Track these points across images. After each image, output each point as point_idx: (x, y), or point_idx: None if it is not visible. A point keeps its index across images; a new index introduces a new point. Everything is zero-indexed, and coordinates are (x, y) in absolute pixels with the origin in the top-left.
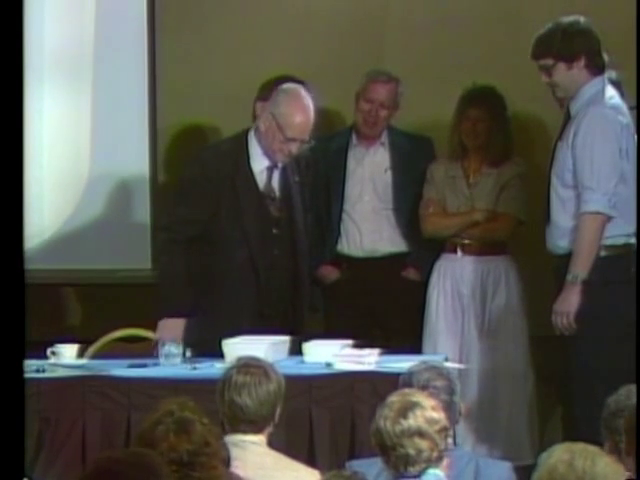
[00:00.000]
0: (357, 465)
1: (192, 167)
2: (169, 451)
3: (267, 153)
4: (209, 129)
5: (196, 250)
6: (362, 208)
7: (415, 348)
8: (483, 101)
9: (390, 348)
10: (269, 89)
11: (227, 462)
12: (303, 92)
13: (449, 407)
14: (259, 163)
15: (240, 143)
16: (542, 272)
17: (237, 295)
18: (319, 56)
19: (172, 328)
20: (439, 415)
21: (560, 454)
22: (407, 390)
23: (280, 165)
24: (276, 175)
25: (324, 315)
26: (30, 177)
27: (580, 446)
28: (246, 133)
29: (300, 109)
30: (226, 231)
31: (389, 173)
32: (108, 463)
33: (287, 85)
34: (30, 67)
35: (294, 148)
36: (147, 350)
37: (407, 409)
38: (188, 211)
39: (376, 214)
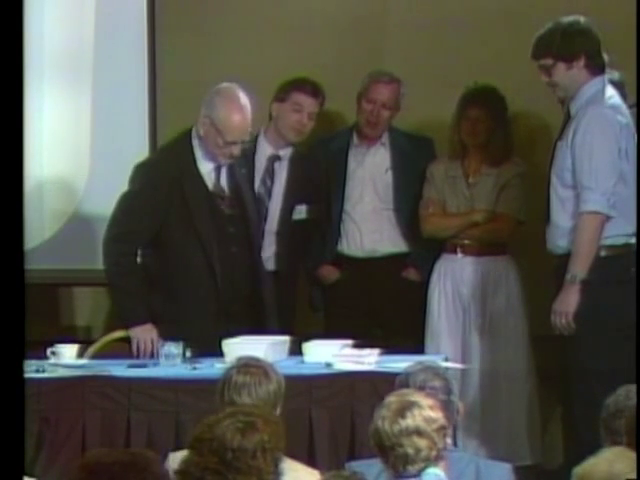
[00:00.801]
0: (356, 466)
1: (138, 176)
2: (219, 442)
3: (209, 156)
4: None
5: (150, 257)
6: (363, 208)
7: (415, 348)
8: (483, 101)
9: (390, 348)
10: (285, 91)
11: None
12: (238, 91)
13: (447, 407)
14: (206, 164)
15: (184, 145)
16: (542, 272)
17: (197, 298)
18: (319, 56)
19: (146, 330)
20: (437, 414)
21: (609, 454)
22: (405, 390)
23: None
24: (224, 173)
25: (325, 315)
26: (30, 177)
27: (632, 454)
28: (189, 134)
29: (237, 110)
30: (178, 235)
31: (390, 173)
32: (103, 464)
33: (222, 86)
34: (30, 67)
35: (236, 150)
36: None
37: (405, 409)
38: (138, 221)
39: (377, 214)
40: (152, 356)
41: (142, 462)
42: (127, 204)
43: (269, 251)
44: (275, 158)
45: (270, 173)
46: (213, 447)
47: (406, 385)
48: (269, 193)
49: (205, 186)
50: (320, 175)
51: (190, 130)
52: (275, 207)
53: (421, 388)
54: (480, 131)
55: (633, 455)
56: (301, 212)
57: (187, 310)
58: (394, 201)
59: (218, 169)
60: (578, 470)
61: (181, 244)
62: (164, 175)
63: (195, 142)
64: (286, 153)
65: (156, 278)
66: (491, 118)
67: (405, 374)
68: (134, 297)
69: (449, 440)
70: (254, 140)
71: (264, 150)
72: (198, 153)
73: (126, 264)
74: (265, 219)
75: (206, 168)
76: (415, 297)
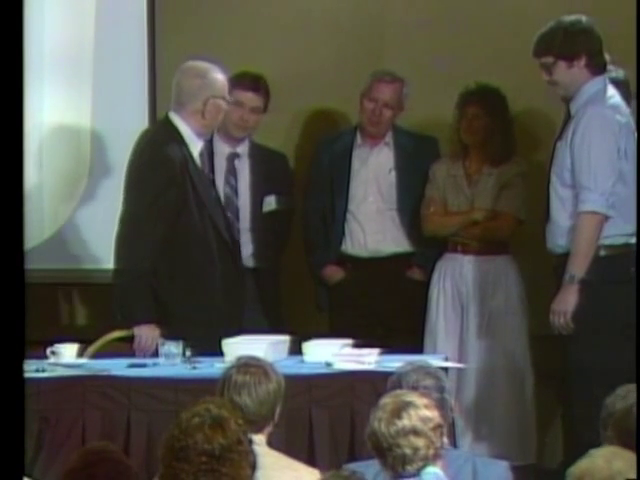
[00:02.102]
0: (354, 468)
1: (147, 176)
2: (203, 442)
3: (197, 140)
4: None
5: (170, 253)
6: (366, 208)
7: (419, 348)
8: (481, 99)
9: (394, 348)
10: (231, 84)
11: (253, 467)
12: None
13: (441, 405)
14: (195, 149)
15: (175, 137)
16: (543, 271)
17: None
18: (319, 56)
19: (150, 329)
20: (432, 413)
21: (604, 452)
22: (399, 391)
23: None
24: (206, 157)
25: (329, 315)
26: (30, 177)
27: (627, 454)
28: (169, 125)
29: (218, 70)
30: (197, 228)
31: (393, 173)
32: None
33: (188, 67)
34: (30, 67)
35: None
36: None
37: (401, 409)
38: (154, 221)
39: (380, 214)
40: (153, 355)
41: (116, 458)
42: (142, 204)
43: (247, 249)
44: (234, 156)
45: (232, 171)
46: (199, 449)
47: (399, 386)
48: (236, 191)
49: (203, 173)
50: (283, 163)
51: (165, 122)
52: (244, 204)
53: (414, 388)
54: (478, 129)
55: (627, 454)
56: (270, 203)
57: (221, 300)
58: (398, 201)
59: (202, 153)
60: (574, 470)
61: (201, 235)
62: (170, 175)
63: (184, 128)
64: (244, 149)
65: (175, 274)
66: (489, 116)
67: (397, 375)
68: (145, 297)
69: (445, 439)
70: (209, 141)
71: (221, 150)
72: (188, 139)
73: (142, 265)
74: (237, 218)
75: (196, 153)
76: (419, 297)
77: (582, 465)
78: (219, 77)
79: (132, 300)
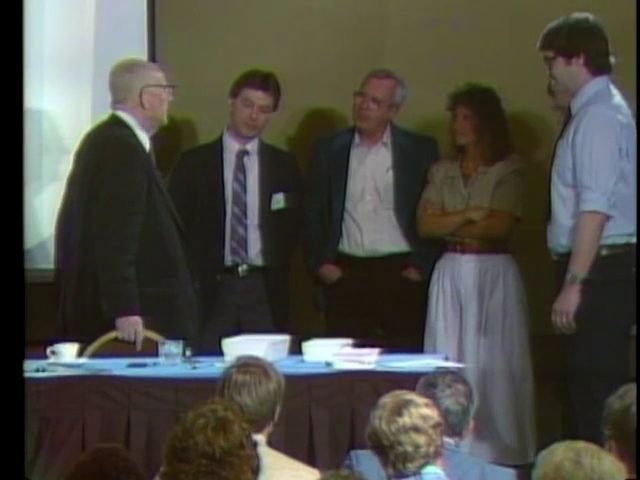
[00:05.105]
0: (362, 454)
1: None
2: (204, 444)
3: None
4: (209, 128)
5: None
6: (363, 208)
7: (416, 347)
8: (469, 100)
9: (391, 347)
10: (238, 86)
11: (256, 471)
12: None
13: (465, 412)
14: (146, 142)
15: (130, 133)
16: (544, 270)
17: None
18: (319, 55)
19: (132, 324)
20: (432, 412)
21: (564, 452)
22: (398, 391)
23: None
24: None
25: (326, 314)
26: (30, 176)
27: (582, 444)
28: (120, 121)
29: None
30: (162, 216)
31: (391, 173)
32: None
33: (117, 65)
34: (30, 67)
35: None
36: (147, 349)
37: (401, 407)
38: (138, 215)
39: (377, 214)
40: (153, 355)
41: (123, 457)
42: (134, 196)
43: (256, 247)
44: (243, 153)
45: (241, 168)
46: (200, 450)
47: (433, 384)
48: (244, 188)
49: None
50: (292, 163)
51: (116, 118)
52: (253, 200)
53: (448, 386)
54: (467, 129)
55: (584, 444)
56: (279, 201)
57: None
58: (395, 201)
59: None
60: (540, 473)
61: (165, 218)
62: (146, 163)
63: (133, 124)
64: (253, 146)
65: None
66: (478, 116)
67: (433, 374)
68: (134, 286)
69: (451, 440)
70: (219, 138)
71: (231, 146)
72: (139, 133)
73: (132, 252)
74: (245, 214)
75: (147, 146)
76: (415, 296)
77: (548, 473)
78: (149, 67)
79: (121, 290)
